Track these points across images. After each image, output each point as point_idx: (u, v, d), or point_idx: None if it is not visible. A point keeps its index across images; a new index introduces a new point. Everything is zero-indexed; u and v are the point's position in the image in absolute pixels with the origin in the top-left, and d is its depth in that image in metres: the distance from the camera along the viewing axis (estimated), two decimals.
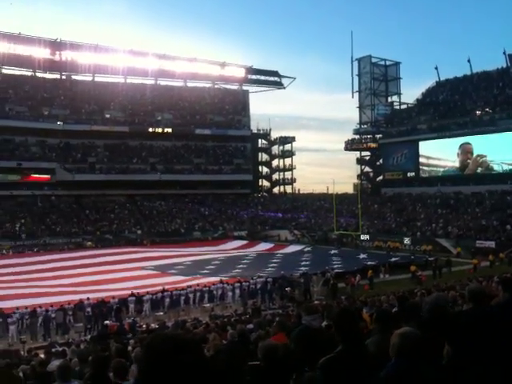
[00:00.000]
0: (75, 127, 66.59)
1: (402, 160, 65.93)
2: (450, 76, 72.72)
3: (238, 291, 29.35)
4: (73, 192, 62.96)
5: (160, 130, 72.51)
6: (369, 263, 37.18)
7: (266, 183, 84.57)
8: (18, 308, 24.42)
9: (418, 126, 65.71)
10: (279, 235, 60.12)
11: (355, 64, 78.73)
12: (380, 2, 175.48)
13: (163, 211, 65.81)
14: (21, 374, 10.41)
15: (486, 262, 35.62)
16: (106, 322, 23.47)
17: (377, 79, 77.95)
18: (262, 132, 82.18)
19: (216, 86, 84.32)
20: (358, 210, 52.96)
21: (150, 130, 71.97)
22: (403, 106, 77.54)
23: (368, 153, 77.83)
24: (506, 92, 59.91)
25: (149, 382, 1.66)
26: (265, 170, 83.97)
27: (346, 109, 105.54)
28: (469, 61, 68.69)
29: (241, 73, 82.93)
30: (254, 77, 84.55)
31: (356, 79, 79.02)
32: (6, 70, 70.55)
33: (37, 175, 61.68)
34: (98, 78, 76.14)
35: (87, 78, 75.58)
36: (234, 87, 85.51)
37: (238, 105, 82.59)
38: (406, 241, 48.63)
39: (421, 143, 63.16)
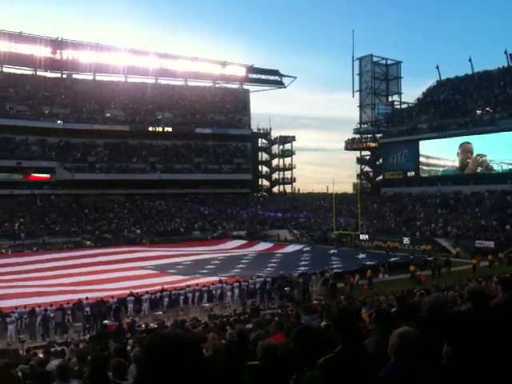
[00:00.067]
0: (76, 126, 66.62)
1: (402, 159, 65.94)
2: (450, 75, 72.87)
3: (237, 291, 29.34)
4: (72, 191, 62.98)
5: (160, 129, 72.55)
6: (368, 263, 37.17)
7: (265, 183, 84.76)
8: (16, 307, 24.40)
9: (418, 126, 65.71)
10: (278, 235, 60.13)
11: (356, 63, 78.75)
12: (381, 1, 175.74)
13: (163, 210, 65.84)
14: (20, 374, 10.41)
15: (486, 262, 35.62)
16: (105, 321, 23.46)
17: (378, 78, 77.91)
18: (262, 131, 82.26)
19: (217, 85, 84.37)
20: (357, 209, 52.97)
21: (151, 129, 72.03)
22: (404, 106, 77.57)
23: (368, 152, 77.79)
24: (507, 91, 59.92)
25: (148, 382, 1.65)
26: (265, 169, 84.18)
27: (346, 108, 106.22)
28: (470, 60, 68.80)
29: (241, 72, 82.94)
30: (254, 76, 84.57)
31: (357, 78, 79.05)
32: (7, 69, 70.64)
33: (37, 174, 61.73)
34: (99, 77, 76.25)
35: (88, 76, 75.62)
36: (235, 86, 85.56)
37: (239, 104, 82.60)
38: (406, 241, 48.63)
39: (421, 143, 63.15)
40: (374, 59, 77.70)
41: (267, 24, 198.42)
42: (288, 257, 45.41)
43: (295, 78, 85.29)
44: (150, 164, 69.52)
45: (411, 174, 64.96)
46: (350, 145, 76.92)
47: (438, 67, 73.71)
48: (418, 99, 73.60)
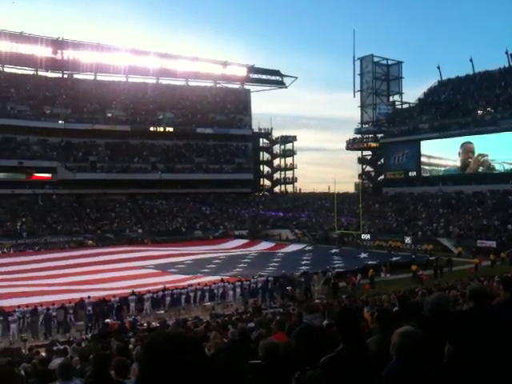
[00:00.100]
0: (77, 126, 66.64)
1: (404, 159, 65.89)
2: (452, 75, 72.83)
3: (238, 290, 29.35)
4: (74, 191, 63.00)
5: (161, 129, 72.56)
6: (370, 262, 37.17)
7: (267, 182, 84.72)
8: (19, 306, 24.43)
9: (419, 126, 65.66)
10: (280, 234, 60.11)
11: (357, 63, 78.78)
12: (382, 1, 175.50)
13: (164, 210, 65.86)
14: (22, 372, 10.41)
15: (487, 262, 35.60)
16: (107, 320, 23.47)
17: (379, 78, 77.88)
18: (263, 131, 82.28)
19: (218, 85, 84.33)
20: (359, 209, 52.94)
21: (152, 129, 72.05)
22: (405, 106, 77.47)
23: (369, 152, 77.74)
24: (508, 91, 59.86)
25: (149, 381, 1.65)
26: (266, 169, 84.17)
27: (347, 108, 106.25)
28: (471, 60, 68.69)
29: (242, 72, 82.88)
30: (255, 76, 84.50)
31: (358, 78, 79.07)
32: (8, 69, 70.65)
33: (38, 174, 61.82)
34: (100, 77, 76.27)
35: (89, 76, 75.62)
36: (236, 86, 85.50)
37: (240, 104, 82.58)
38: (407, 240, 48.60)
39: (422, 143, 63.11)
40: (375, 59, 77.68)
41: (267, 24, 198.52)
42: (290, 256, 45.41)
43: (296, 78, 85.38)
44: (151, 164, 69.54)
45: (413, 173, 64.91)
46: (352, 145, 76.87)
47: (439, 67, 73.66)
48: (419, 99, 73.54)
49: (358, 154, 78.02)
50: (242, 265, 40.52)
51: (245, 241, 56.97)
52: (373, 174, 77.77)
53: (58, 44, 71.10)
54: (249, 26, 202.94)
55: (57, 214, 59.01)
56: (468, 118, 59.63)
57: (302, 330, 4.65)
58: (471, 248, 41.59)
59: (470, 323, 3.65)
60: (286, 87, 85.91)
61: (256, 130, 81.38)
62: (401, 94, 79.04)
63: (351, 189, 78.21)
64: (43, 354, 14.50)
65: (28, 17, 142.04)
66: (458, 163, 59.64)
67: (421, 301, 6.42)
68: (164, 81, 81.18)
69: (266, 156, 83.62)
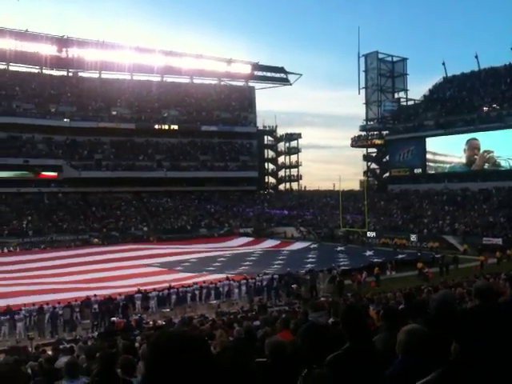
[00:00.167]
0: (82, 124, 66.75)
1: (409, 156, 65.73)
2: (457, 72, 72.55)
3: (244, 288, 29.38)
4: (79, 189, 63.16)
5: (166, 126, 72.68)
6: (375, 260, 37.19)
7: (272, 180, 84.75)
8: (25, 305, 24.51)
9: (424, 123, 65.46)
10: (285, 232, 60.11)
11: (362, 60, 78.66)
12: None
13: (169, 208, 65.97)
14: (29, 371, 10.46)
15: (493, 259, 35.52)
16: (113, 318, 23.52)
17: (383, 75, 77.68)
18: (267, 129, 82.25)
19: (222, 83, 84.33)
20: (364, 206, 52.82)
21: (156, 126, 72.15)
22: (410, 103, 77.35)
23: (374, 149, 77.59)
24: None
25: (155, 380, 1.65)
26: (271, 166, 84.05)
27: (351, 105, 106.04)
28: (476, 57, 68.50)
29: (247, 69, 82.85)
30: (260, 73, 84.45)
31: (362, 75, 78.93)
32: (13, 67, 70.77)
33: (44, 172, 62.02)
34: (105, 75, 76.38)
35: (94, 74, 75.80)
36: (240, 84, 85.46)
37: (244, 101, 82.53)
38: (413, 238, 48.52)
39: (428, 139, 62.94)
40: (380, 56, 77.45)
41: (271, 21, 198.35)
42: (295, 254, 45.42)
43: (301, 75, 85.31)
44: (156, 162, 69.63)
45: (418, 170, 64.74)
46: (356, 142, 76.76)
47: (444, 64, 73.34)
48: (425, 96, 73.32)
49: (363, 151, 77.99)
50: (247, 263, 40.58)
51: (250, 239, 57.00)
52: (378, 171, 77.63)
53: (63, 42, 71.28)
54: (253, 23, 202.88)
55: (62, 212, 59.18)
56: (473, 114, 59.41)
57: (308, 328, 4.64)
58: (477, 245, 41.50)
59: (476, 321, 3.63)
60: (291, 84, 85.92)
61: (261, 128, 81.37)
62: (406, 90, 78.92)
63: (356, 186, 78.27)
64: (50, 352, 14.54)
65: (32, 15, 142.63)
66: (464, 160, 59.44)
67: (427, 299, 6.41)
68: (168, 78, 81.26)
69: (270, 154, 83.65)
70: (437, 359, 3.41)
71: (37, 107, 66.47)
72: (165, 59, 77.53)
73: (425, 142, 63.23)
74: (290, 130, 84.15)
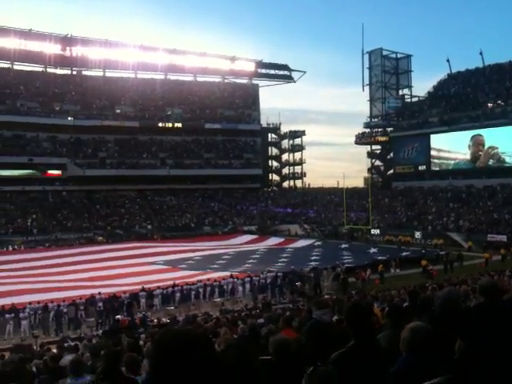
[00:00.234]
0: (86, 122, 66.85)
1: (413, 153, 65.56)
2: (461, 68, 72.24)
3: (248, 286, 29.41)
4: (84, 187, 63.27)
5: (170, 124, 72.71)
6: (379, 258, 37.08)
7: (275, 177, 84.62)
8: (30, 303, 24.59)
9: (429, 119, 65.29)
10: (289, 230, 60.11)
11: (366, 57, 78.48)
12: None
13: (173, 206, 66.03)
14: (34, 369, 10.51)
15: (498, 256, 35.40)
16: (118, 316, 23.60)
17: (388, 72, 77.48)
18: (271, 126, 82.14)
19: (226, 81, 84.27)
20: (368, 204, 52.74)
21: (160, 124, 72.17)
22: (414, 99, 77.07)
23: (379, 146, 77.38)
24: None
25: (160, 378, 1.66)
26: (275, 164, 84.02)
27: (355, 102, 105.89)
28: (481, 53, 68.24)
29: (251, 67, 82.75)
30: (263, 71, 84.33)
31: (366, 72, 78.74)
32: (17, 66, 70.84)
33: (48, 171, 62.18)
34: (109, 74, 76.42)
35: (98, 73, 75.91)
36: (244, 81, 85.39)
37: (248, 99, 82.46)
38: (417, 235, 48.42)
39: (432, 136, 62.72)
40: (384, 53, 77.25)
41: (275, 19, 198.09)
42: (299, 252, 45.39)
43: (305, 72, 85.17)
44: (160, 160, 69.71)
45: (422, 167, 64.55)
46: (361, 139, 76.57)
47: (448, 60, 72.98)
48: (429, 93, 73.09)
49: (367, 148, 77.72)
50: (251, 260, 40.56)
51: (254, 236, 57.01)
52: (382, 168, 77.41)
53: (67, 41, 71.34)
54: (257, 20, 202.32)
55: (67, 210, 59.31)
56: (478, 111, 59.20)
57: (312, 326, 4.65)
58: (481, 242, 41.37)
59: (480, 318, 3.63)
60: (295, 82, 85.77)
61: (264, 125, 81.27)
62: (410, 87, 78.62)
63: (360, 183, 77.99)
64: (54, 350, 14.59)
65: (36, 14, 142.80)
66: (468, 156, 59.24)
67: (431, 296, 6.39)
68: (172, 76, 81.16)
69: (274, 151, 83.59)
70: (441, 357, 3.41)
71: (41, 106, 66.61)
72: (169, 57, 77.57)
73: (429, 138, 63.04)
74: (293, 128, 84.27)
